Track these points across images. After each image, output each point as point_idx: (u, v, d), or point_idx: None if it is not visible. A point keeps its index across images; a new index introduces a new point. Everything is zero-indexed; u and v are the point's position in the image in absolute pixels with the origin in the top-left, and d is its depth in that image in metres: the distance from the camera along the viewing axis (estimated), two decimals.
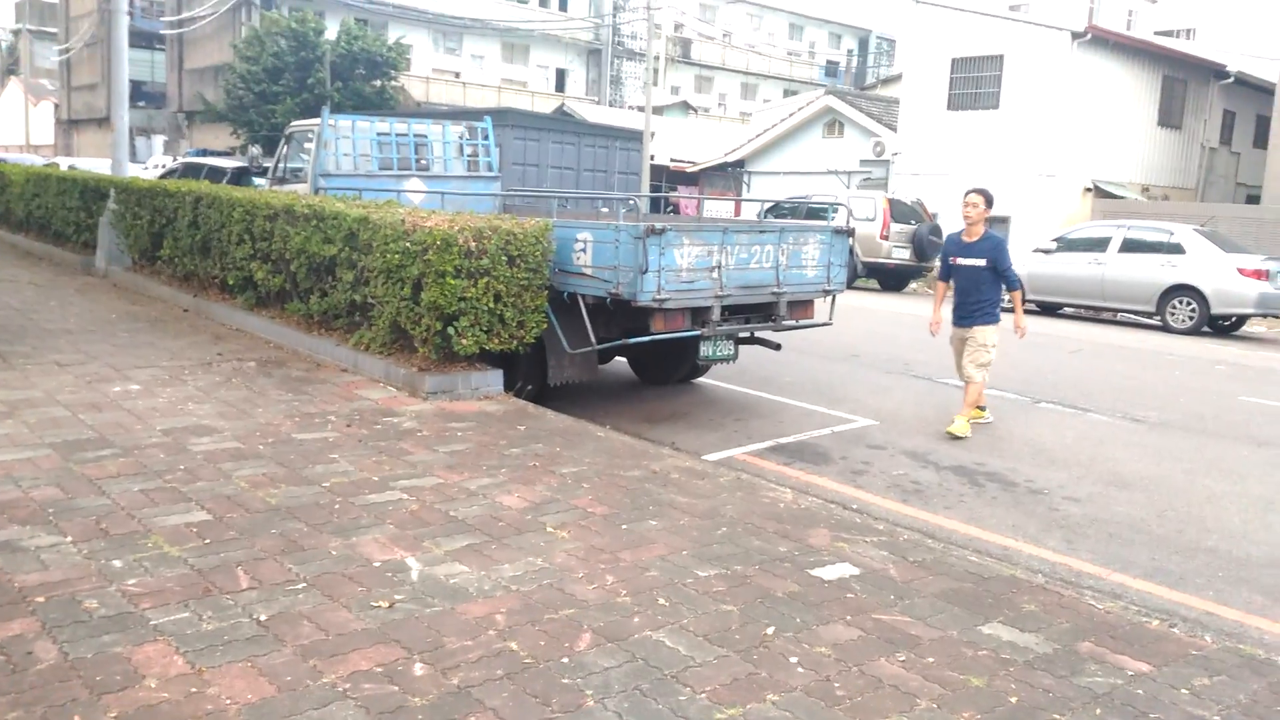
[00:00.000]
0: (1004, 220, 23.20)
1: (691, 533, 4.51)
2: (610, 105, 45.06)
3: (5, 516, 4.20)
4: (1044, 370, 10.60)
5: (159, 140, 40.65)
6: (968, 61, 24.26)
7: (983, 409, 7.79)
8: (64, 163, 25.82)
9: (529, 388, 7.46)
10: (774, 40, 55.73)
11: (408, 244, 6.77)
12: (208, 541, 4.05)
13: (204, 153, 26.98)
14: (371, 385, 7.03)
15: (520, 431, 6.13)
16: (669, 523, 4.63)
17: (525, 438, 5.99)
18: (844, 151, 28.31)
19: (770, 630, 3.55)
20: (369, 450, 5.50)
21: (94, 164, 25.54)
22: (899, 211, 20.13)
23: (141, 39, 39.84)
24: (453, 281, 6.58)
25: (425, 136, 12.23)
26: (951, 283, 7.82)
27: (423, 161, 12.12)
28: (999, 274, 7.43)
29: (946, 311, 7.87)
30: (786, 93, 49.91)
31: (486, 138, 12.52)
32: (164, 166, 25.23)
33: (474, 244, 6.68)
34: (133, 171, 16.96)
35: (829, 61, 57.19)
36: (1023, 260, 17.28)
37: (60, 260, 13.20)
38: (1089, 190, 23.37)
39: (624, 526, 4.55)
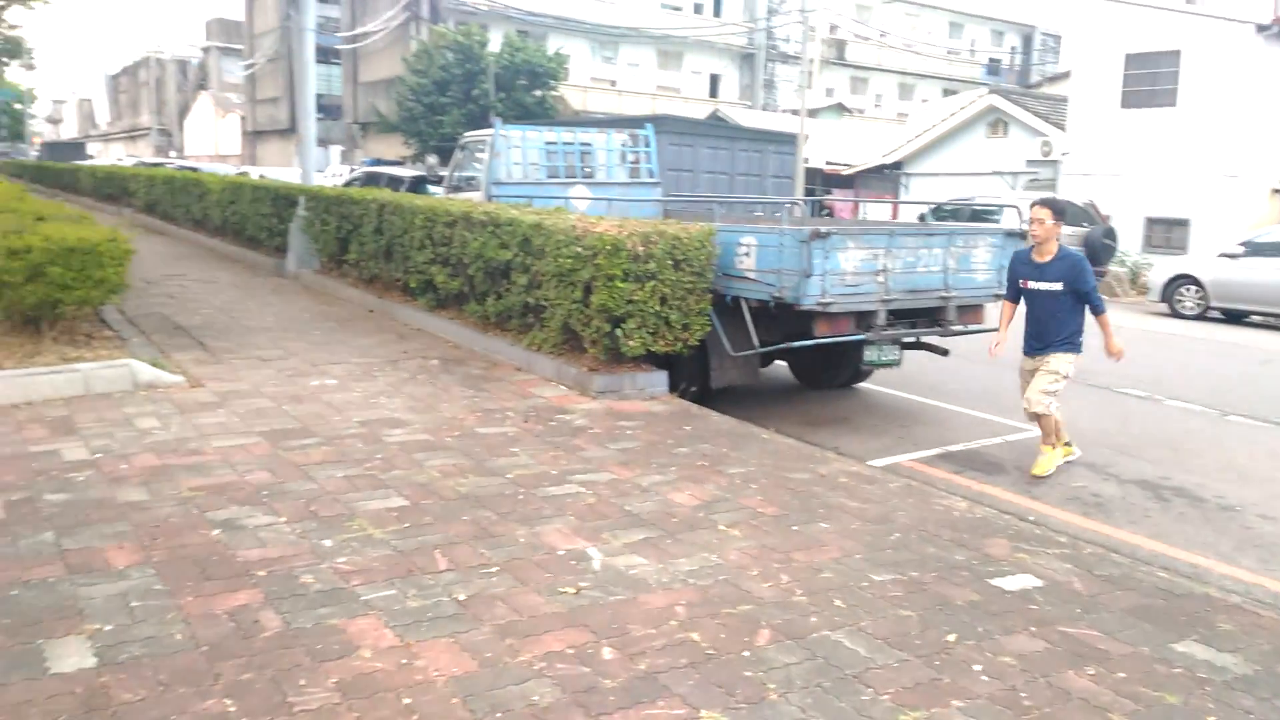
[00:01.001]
0: (1183, 223, 21.92)
1: (864, 537, 4.52)
2: (764, 109, 44.90)
3: (225, 497, 4.61)
4: (1232, 381, 10.00)
5: (336, 150, 42.96)
6: (1142, 57, 23.03)
7: (1069, 444, 6.68)
8: (254, 171, 27.68)
9: (692, 389, 7.58)
10: (933, 39, 54.30)
11: (579, 249, 7.00)
12: (407, 525, 4.33)
13: (378, 162, 28.34)
14: (544, 384, 7.29)
15: (686, 432, 6.25)
16: (840, 526, 4.65)
17: (692, 438, 6.10)
18: (1008, 152, 27.32)
19: (952, 637, 3.54)
20: (546, 445, 5.73)
21: (280, 173, 27.28)
22: (1070, 214, 19.33)
23: (319, 54, 42.11)
24: (621, 285, 6.77)
25: (590, 145, 12.55)
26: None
27: (588, 169, 12.44)
28: (1081, 298, 6.31)
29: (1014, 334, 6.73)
30: (946, 92, 48.56)
31: (648, 145, 12.74)
32: (345, 175, 26.70)
33: (641, 248, 6.85)
34: (314, 180, 18.06)
35: (991, 59, 55.27)
36: (1207, 266, 16.32)
37: (254, 263, 14.20)
38: (1277, 191, 21.81)
39: (794, 528, 4.60)
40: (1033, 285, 6.43)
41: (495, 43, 32.62)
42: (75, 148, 61.93)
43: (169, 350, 7.74)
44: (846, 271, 6.89)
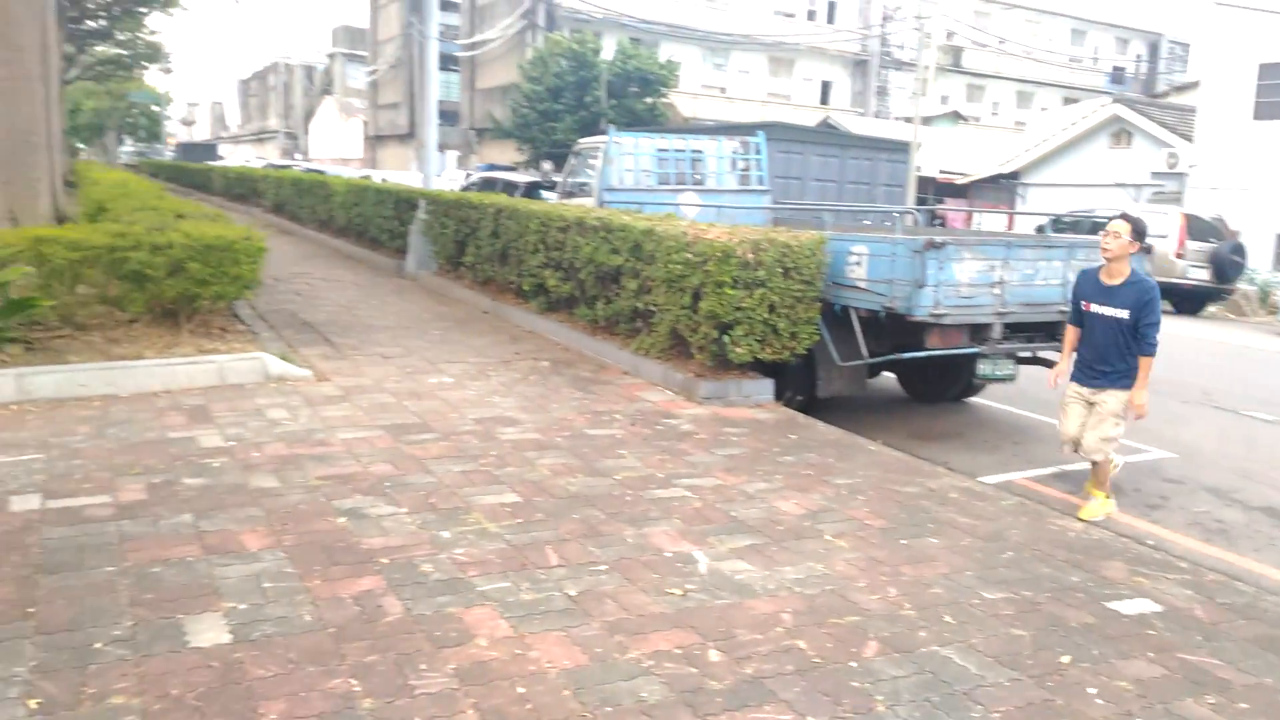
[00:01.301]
0: None
1: (974, 554, 4.46)
2: (875, 116, 44.31)
3: (350, 487, 4.82)
4: None
5: (452, 155, 44.10)
6: (1277, 67, 21.95)
7: (1110, 497, 5.83)
8: (376, 175, 28.62)
9: (798, 398, 7.56)
10: (1053, 46, 52.70)
11: (689, 255, 7.06)
12: (519, 521, 4.46)
13: (492, 167, 28.98)
14: (650, 388, 7.37)
15: (792, 440, 6.24)
16: (950, 542, 4.59)
17: (797, 446, 6.10)
18: (1132, 163, 26.34)
19: (1066, 659, 3.47)
20: (652, 449, 5.80)
21: (398, 176, 28.16)
22: (1196, 228, 18.52)
23: (439, 61, 43.44)
24: (730, 291, 6.81)
25: (701, 152, 12.61)
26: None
27: (698, 175, 12.51)
28: (1140, 331, 5.54)
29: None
30: (1066, 101, 47.02)
31: (759, 152, 12.73)
32: (460, 180, 27.39)
33: (751, 256, 6.87)
34: (434, 184, 18.60)
35: (1114, 68, 53.29)
36: None
37: (375, 264, 14.72)
38: None
39: (903, 541, 4.56)
40: (1095, 309, 5.71)
41: (608, 50, 33.01)
42: (208, 149, 65.08)
43: (297, 345, 8.12)
44: (961, 283, 6.78)
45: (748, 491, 5.13)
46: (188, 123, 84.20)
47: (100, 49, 33.27)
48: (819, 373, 7.43)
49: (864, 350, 7.14)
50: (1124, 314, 5.58)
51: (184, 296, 7.27)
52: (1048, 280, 7.18)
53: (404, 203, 13.84)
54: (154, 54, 36.24)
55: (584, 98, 30.93)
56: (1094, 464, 5.81)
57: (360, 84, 60.04)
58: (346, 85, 63.50)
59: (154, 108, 55.33)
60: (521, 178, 17.57)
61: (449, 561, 3.97)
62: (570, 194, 12.93)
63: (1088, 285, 5.82)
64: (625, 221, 8.09)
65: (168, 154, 61.61)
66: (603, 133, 12.51)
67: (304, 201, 19.51)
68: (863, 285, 7.07)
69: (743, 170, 12.86)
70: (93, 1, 22.86)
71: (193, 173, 34.42)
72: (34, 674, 2.97)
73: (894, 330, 7.17)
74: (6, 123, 9.37)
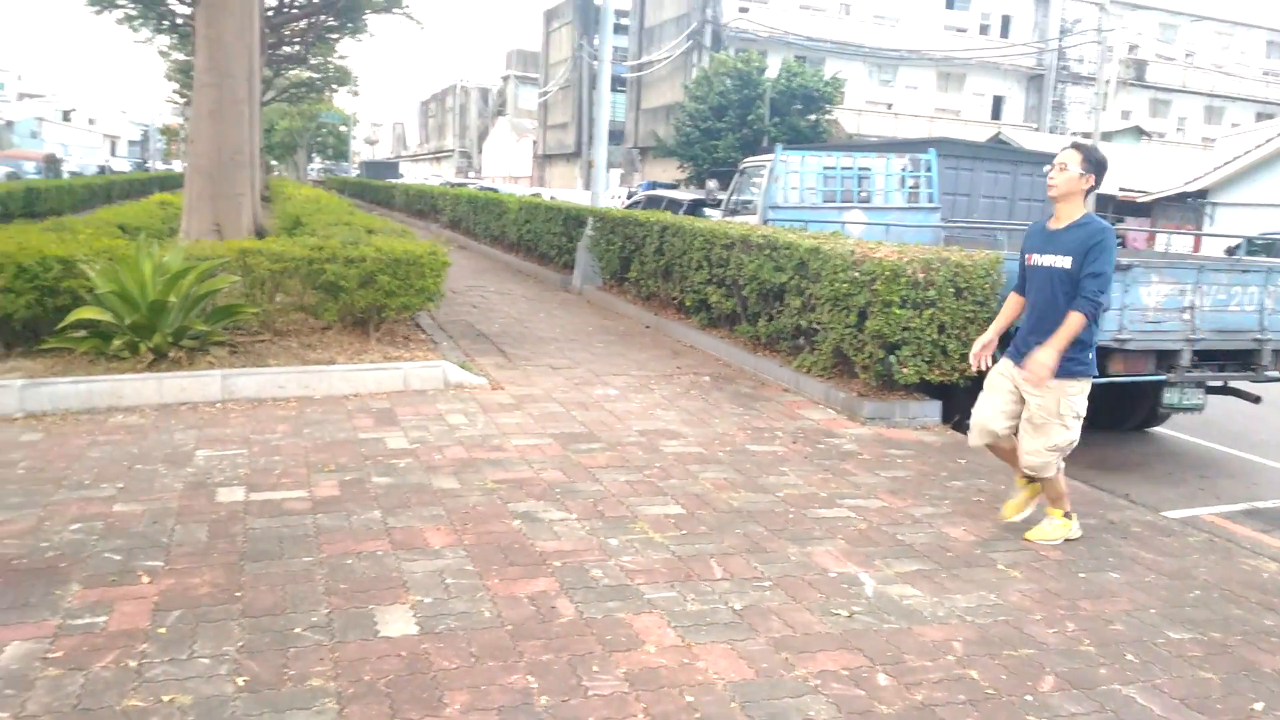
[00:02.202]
0: None
1: (1159, 591, 4.24)
2: (1050, 132, 42.53)
3: (524, 491, 5.01)
4: None
5: (615, 173, 45.02)
6: None
7: (1069, 516, 4.83)
8: (546, 193, 29.55)
9: (967, 422, 7.34)
10: (1246, 59, 49.30)
11: (856, 274, 7.00)
12: (684, 533, 4.53)
13: (654, 185, 29.44)
14: (812, 406, 7.33)
15: (961, 465, 6.08)
16: (1132, 577, 4.38)
17: (966, 471, 5.94)
18: None
19: (1259, 706, 3.27)
20: (814, 467, 5.78)
21: (565, 194, 28.97)
22: None
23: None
24: (898, 311, 6.70)
25: (869, 169, 12.47)
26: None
27: (865, 193, 12.36)
28: (1080, 281, 4.42)
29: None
30: (1260, 116, 43.92)
31: (929, 169, 12.48)
32: (623, 197, 27.93)
33: (921, 275, 6.75)
34: (587, 200, 19.08)
35: None
36: None
37: (544, 278, 15.20)
38: None
39: (1081, 575, 4.38)
40: (1035, 259, 4.63)
41: (773, 68, 32.99)
42: (389, 166, 68.65)
43: (473, 354, 8.49)
44: (1148, 307, 6.47)
45: (914, 515, 5.04)
46: (371, 142, 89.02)
47: (294, 73, 35.67)
48: None
49: None
50: (1065, 261, 4.46)
51: (373, 306, 7.73)
52: (1242, 306, 6.78)
53: (572, 220, 14.24)
54: (343, 77, 38.57)
55: (747, 116, 31.02)
56: (1045, 486, 4.77)
57: (531, 105, 62.09)
58: (518, 106, 65.81)
59: (341, 128, 58.85)
60: (684, 195, 17.75)
61: (617, 568, 4.07)
62: (734, 211, 13.00)
63: (1033, 235, 4.79)
64: (790, 239, 8.09)
65: (353, 171, 65.33)
66: (768, 151, 12.53)
67: (479, 218, 20.33)
68: None
69: (912, 188, 12.63)
70: (290, 29, 24.52)
71: (376, 189, 36.38)
72: (240, 653, 3.23)
73: None
74: (216, 142, 10.20)
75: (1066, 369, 4.50)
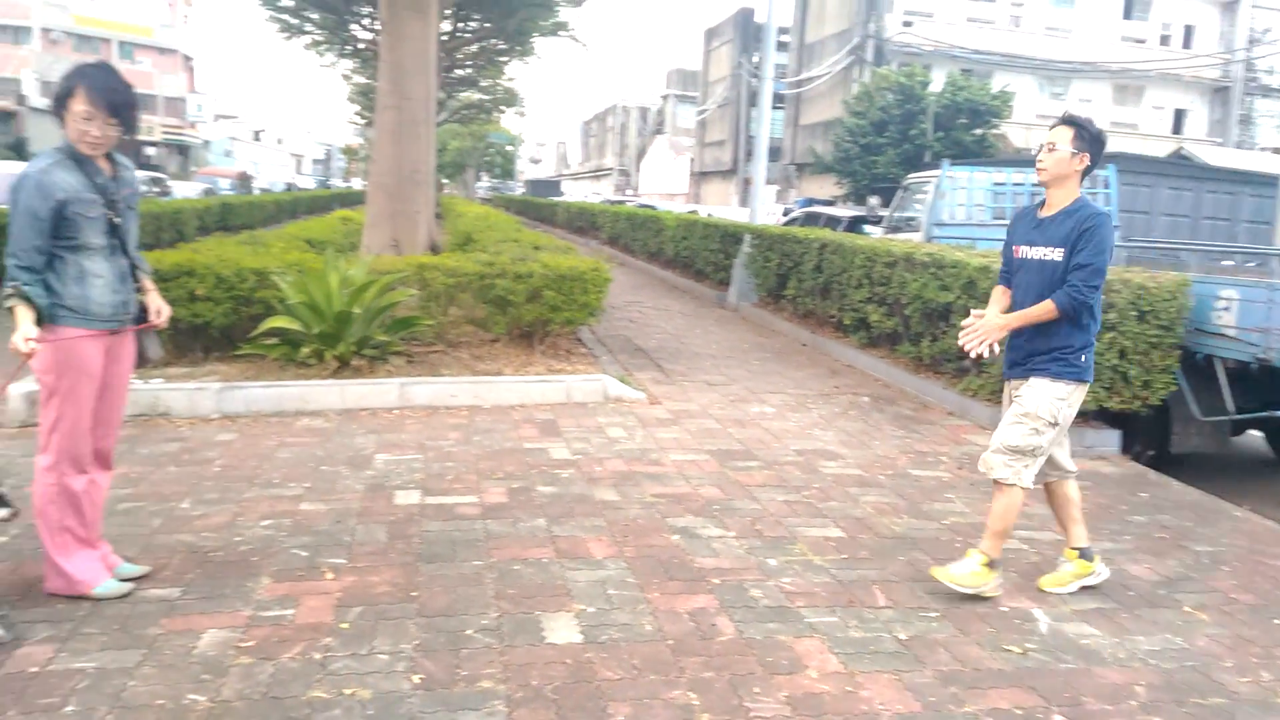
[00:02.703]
0: None
1: None
2: (1237, 147, 39.74)
3: (682, 506, 5.04)
4: None
5: (771, 190, 44.83)
6: None
7: (1084, 553, 4.25)
8: (702, 210, 29.72)
9: (1148, 453, 6.96)
10: None
11: None
12: (845, 557, 4.46)
13: (810, 202, 29.15)
14: (978, 431, 7.08)
15: (1142, 499, 5.75)
16: None
17: (1148, 506, 5.61)
18: None
19: None
20: (981, 495, 5.57)
21: (720, 210, 29.06)
22: None
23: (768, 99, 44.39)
24: None
25: (1041, 186, 11.98)
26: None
27: None
28: (1068, 272, 3.92)
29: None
30: None
31: (1107, 186, 11.91)
32: (778, 214, 27.79)
33: (1101, 297, 6.44)
34: (742, 217, 19.05)
35: None
36: None
37: (699, 294, 15.28)
38: None
39: (1276, 621, 4.07)
40: (1024, 252, 4.10)
41: (937, 83, 32.17)
42: (552, 185, 70.59)
43: (631, 369, 8.61)
44: None
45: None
46: (535, 161, 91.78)
47: (465, 95, 37.16)
48: (1174, 426, 6.81)
49: (1230, 404, 6.47)
50: (1057, 254, 3.93)
51: (539, 321, 7.96)
52: None
53: (729, 236, 14.27)
54: (511, 99, 39.94)
55: (909, 131, 30.32)
56: (996, 495, 4.12)
57: (689, 123, 62.63)
58: (676, 125, 66.49)
59: (508, 147, 60.91)
60: (843, 212, 17.53)
61: (777, 589, 4.04)
62: (896, 229, 12.75)
63: (1020, 224, 4.22)
64: (958, 257, 7.86)
65: (518, 189, 67.45)
66: (931, 166, 12.22)
67: (637, 234, 20.64)
68: (1232, 333, 6.42)
69: None
70: (462, 53, 25.58)
71: (539, 206, 37.47)
72: (416, 652, 3.37)
73: (1267, 384, 6.45)
74: (396, 161, 10.73)
75: (1055, 369, 3.98)
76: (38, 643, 3.33)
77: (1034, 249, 4.03)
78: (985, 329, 3.97)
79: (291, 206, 32.00)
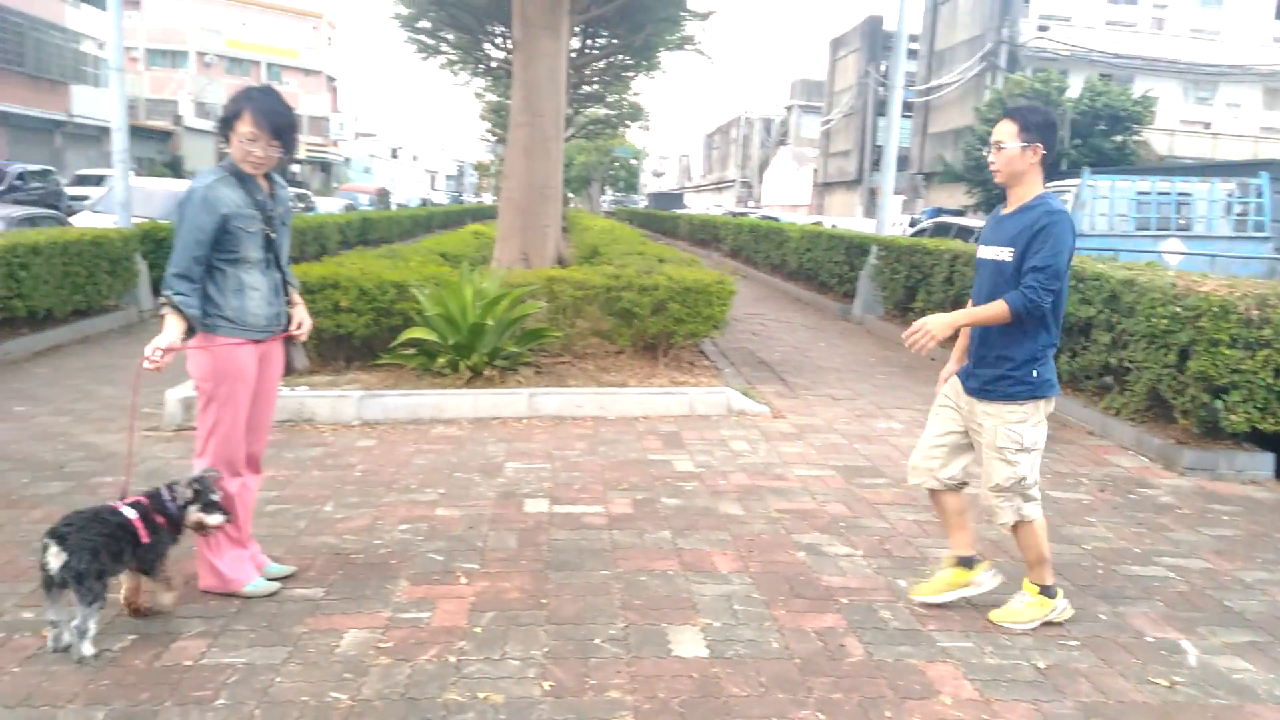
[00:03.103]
0: None
1: None
2: None
3: (807, 523, 4.99)
4: None
5: (897, 200, 44.00)
6: None
7: (1049, 592, 3.89)
8: (826, 221, 29.40)
9: None
10: None
11: (1177, 309, 6.42)
12: None
13: (938, 211, 28.46)
14: (1121, 452, 6.78)
15: None
16: None
17: None
18: None
19: None
20: (1125, 519, 5.33)
21: (844, 222, 28.67)
22: None
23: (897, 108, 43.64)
24: (1227, 351, 6.09)
25: (1189, 195, 11.43)
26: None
27: (1183, 221, 11.34)
28: (1022, 274, 3.60)
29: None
30: None
31: (1260, 195, 11.27)
32: (903, 224, 27.22)
33: (1256, 312, 6.11)
34: (867, 228, 18.70)
35: None
36: None
37: (823, 306, 15.11)
38: None
39: None
40: (981, 252, 3.88)
41: (1074, 88, 31.00)
42: (675, 197, 71.01)
43: (754, 382, 8.58)
44: None
45: (1244, 580, 4.52)
46: (658, 174, 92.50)
47: (592, 110, 37.77)
48: None
49: None
50: (1007, 254, 3.65)
51: (663, 333, 8.02)
52: None
53: (855, 248, 14.07)
54: (636, 113, 40.39)
55: None
56: (1018, 537, 3.89)
57: (813, 134, 62.05)
58: (800, 135, 65.96)
59: (632, 161, 61.54)
60: (976, 222, 17.01)
61: (907, 611, 3.96)
62: None
63: (987, 224, 3.97)
64: (1100, 270, 7.56)
65: (641, 203, 68.06)
66: (1068, 175, 11.78)
67: (759, 246, 20.56)
68: None
69: (1239, 215, 11.44)
70: (590, 69, 26.01)
71: (662, 219, 37.71)
72: (546, 659, 3.44)
73: None
74: (527, 177, 10.99)
75: (1003, 390, 3.69)
76: (192, 637, 3.53)
77: (989, 248, 3.80)
78: (928, 327, 3.65)
79: (426, 221, 33.09)
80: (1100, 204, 11.04)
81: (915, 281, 11.46)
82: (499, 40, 23.00)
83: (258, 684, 3.21)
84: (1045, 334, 3.67)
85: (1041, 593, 3.87)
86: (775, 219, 28.81)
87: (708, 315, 8.02)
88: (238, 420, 3.75)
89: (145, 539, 3.47)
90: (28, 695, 3.08)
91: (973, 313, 3.68)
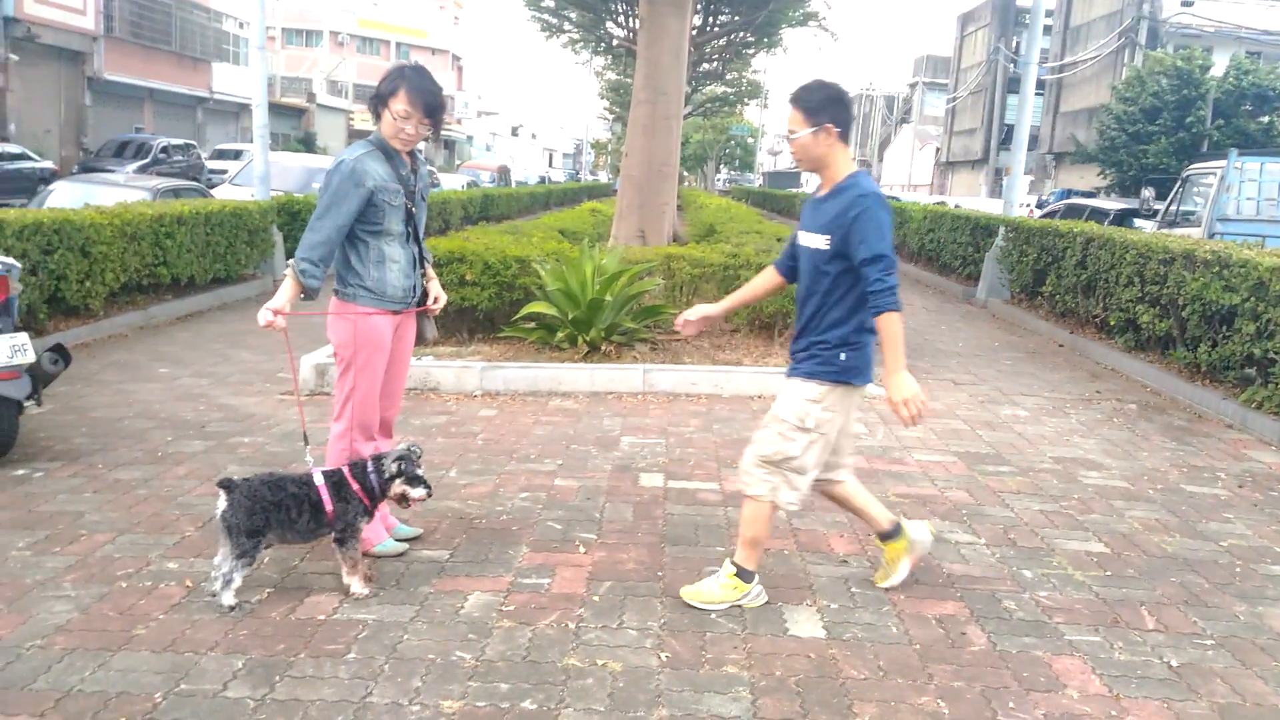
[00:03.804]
0: None
1: None
2: None
3: (928, 509, 4.90)
4: None
5: (1024, 180, 42.45)
6: None
7: (745, 576, 3.68)
8: (950, 201, 28.59)
9: None
10: None
11: None
12: (1108, 574, 4.18)
13: (1067, 193, 27.34)
14: (1263, 447, 6.44)
15: None
16: None
17: None
18: None
19: None
20: (1267, 517, 5.06)
21: (968, 202, 27.80)
22: None
23: (1020, 85, 42.03)
24: None
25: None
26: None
27: None
28: (860, 271, 3.37)
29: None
30: None
31: None
32: (1032, 205, 26.26)
33: None
34: (991, 209, 18.11)
35: None
36: None
37: (944, 289, 14.73)
38: None
39: None
40: (800, 239, 3.67)
41: (1219, 66, 29.25)
42: (791, 176, 69.99)
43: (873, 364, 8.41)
44: None
45: None
46: (774, 152, 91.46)
47: (710, 88, 37.53)
48: None
49: None
50: (822, 241, 3.46)
51: (779, 312, 7.96)
52: None
53: (981, 229, 13.66)
54: (754, 91, 39.96)
55: (1184, 118, 27.75)
56: (744, 510, 3.69)
57: (937, 112, 60.33)
58: (923, 113, 64.18)
59: (749, 139, 60.98)
60: (1111, 204, 16.30)
61: (1032, 602, 3.86)
62: (1172, 223, 11.75)
63: (805, 208, 3.71)
64: (1247, 256, 7.17)
65: (756, 181, 67.44)
66: (1211, 156, 11.16)
67: None
68: None
69: None
70: (710, 47, 25.82)
71: (777, 198, 37.35)
72: (663, 630, 3.48)
73: None
74: (647, 155, 11.02)
75: (807, 368, 3.54)
76: (324, 593, 3.69)
77: (807, 235, 3.60)
78: (910, 409, 3.49)
79: (545, 198, 33.57)
80: (1248, 187, 10.43)
81: (1045, 264, 11.07)
82: (621, 18, 23.06)
83: (386, 640, 3.34)
84: (855, 319, 3.52)
85: (738, 575, 3.68)
86: (895, 199, 28.14)
87: None
88: (374, 387, 3.90)
89: (330, 507, 3.58)
90: (172, 641, 3.28)
91: (893, 354, 3.48)
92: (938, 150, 59.05)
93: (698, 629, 3.49)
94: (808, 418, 3.52)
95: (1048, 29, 43.38)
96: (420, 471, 3.70)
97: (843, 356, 3.53)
